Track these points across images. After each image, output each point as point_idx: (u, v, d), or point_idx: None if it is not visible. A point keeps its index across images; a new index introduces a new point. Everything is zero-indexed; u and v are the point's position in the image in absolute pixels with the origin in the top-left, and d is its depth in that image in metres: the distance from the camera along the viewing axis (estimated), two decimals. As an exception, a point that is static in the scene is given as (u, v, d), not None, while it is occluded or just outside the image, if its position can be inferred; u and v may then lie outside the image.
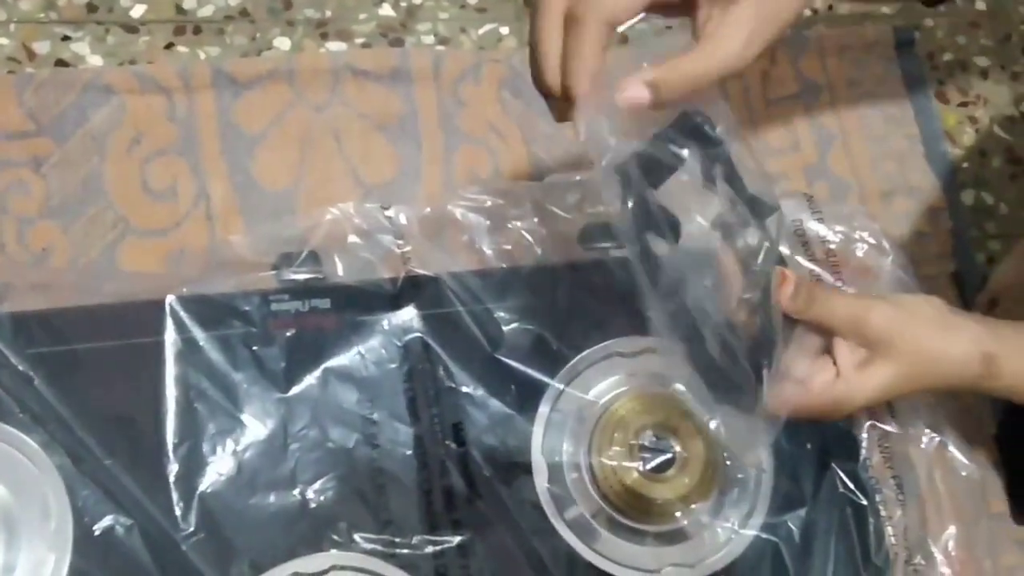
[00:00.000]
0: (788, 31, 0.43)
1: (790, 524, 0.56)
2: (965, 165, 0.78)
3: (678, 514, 0.55)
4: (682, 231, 0.44)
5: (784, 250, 0.61)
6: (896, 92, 0.79)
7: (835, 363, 0.46)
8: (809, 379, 0.46)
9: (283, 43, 0.74)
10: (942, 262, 0.73)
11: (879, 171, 0.76)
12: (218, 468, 0.53)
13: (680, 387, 0.49)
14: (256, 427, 0.54)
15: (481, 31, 0.77)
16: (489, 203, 0.61)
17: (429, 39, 0.76)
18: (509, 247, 0.61)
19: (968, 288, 0.73)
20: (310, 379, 0.55)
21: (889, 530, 0.58)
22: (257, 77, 0.70)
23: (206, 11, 0.74)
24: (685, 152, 0.43)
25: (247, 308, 0.55)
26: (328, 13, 0.75)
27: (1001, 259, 0.75)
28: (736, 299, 0.44)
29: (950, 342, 0.45)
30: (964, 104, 0.81)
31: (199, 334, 0.54)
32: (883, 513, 0.58)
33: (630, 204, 0.42)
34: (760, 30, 0.41)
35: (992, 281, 0.73)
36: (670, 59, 0.42)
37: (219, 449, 0.53)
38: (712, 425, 0.45)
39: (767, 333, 0.44)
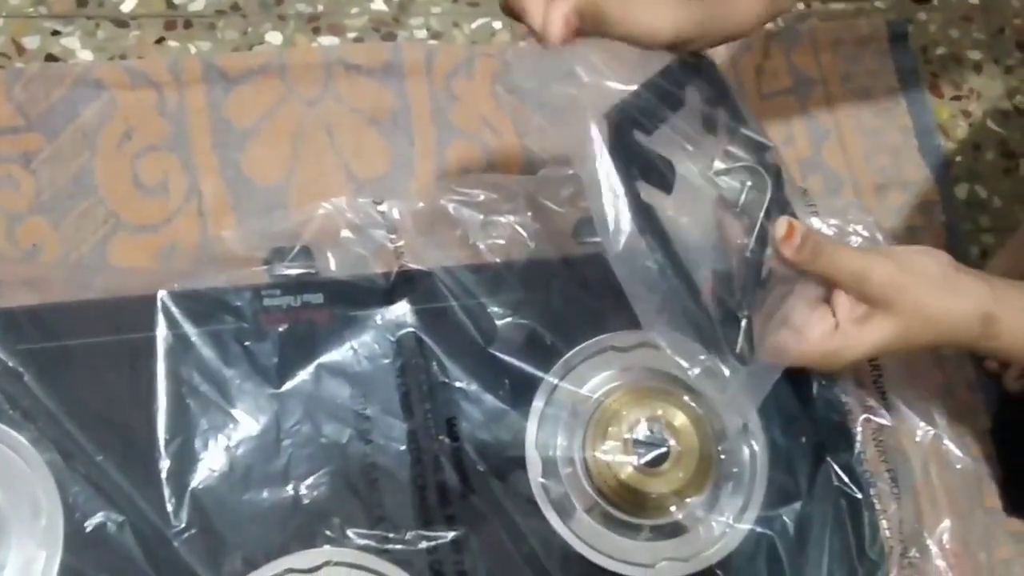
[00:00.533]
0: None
1: (785, 518, 0.56)
2: (959, 159, 0.78)
3: (673, 508, 0.55)
4: (677, 176, 0.42)
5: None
6: (889, 86, 0.79)
7: (834, 314, 0.45)
8: (807, 328, 0.45)
9: (275, 37, 0.74)
10: (936, 256, 0.73)
11: (873, 165, 0.76)
12: (210, 464, 0.52)
13: (655, 337, 0.46)
14: (248, 423, 0.54)
15: (474, 25, 0.77)
16: (482, 197, 0.60)
17: (422, 33, 0.76)
18: (502, 241, 0.61)
19: (962, 281, 0.73)
20: (303, 374, 0.55)
21: (884, 523, 0.57)
22: (248, 72, 0.70)
23: (197, 5, 0.74)
24: (685, 94, 0.42)
25: (239, 303, 0.55)
26: (320, 7, 0.75)
27: (994, 253, 0.75)
28: (734, 246, 0.43)
29: (951, 301, 0.44)
30: (957, 98, 0.81)
31: (191, 329, 0.54)
32: (878, 506, 0.58)
33: (619, 153, 0.40)
34: None
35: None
36: None
37: (211, 445, 0.53)
38: (693, 373, 0.43)
39: (765, 281, 0.43)
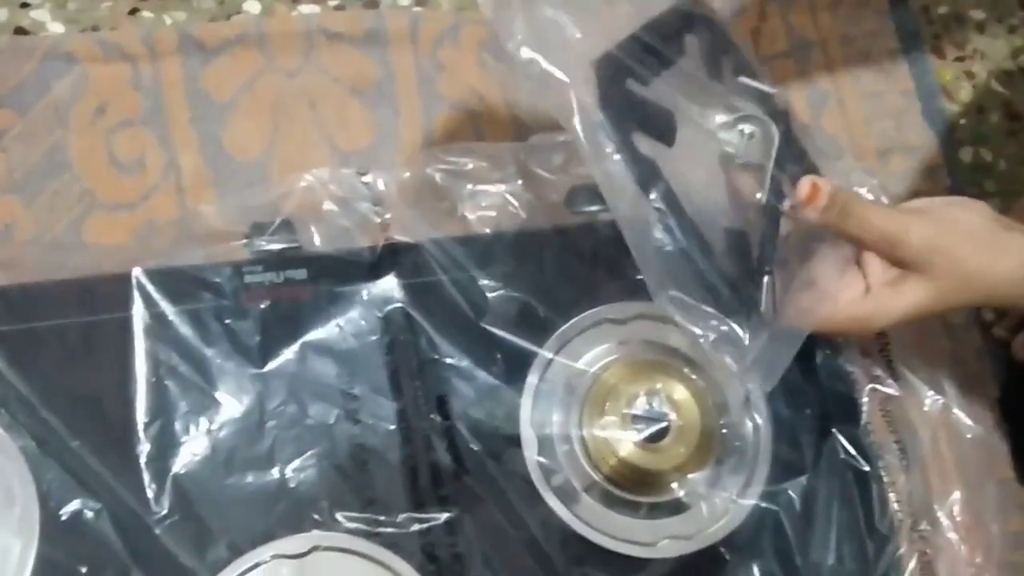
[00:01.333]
0: None
1: (790, 492, 0.54)
2: (963, 122, 0.76)
3: (674, 485, 0.53)
4: (679, 128, 0.39)
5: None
6: (890, 48, 0.77)
7: (865, 276, 0.42)
8: (835, 291, 0.42)
9: (253, 6, 0.71)
10: (941, 221, 0.71)
11: (875, 129, 0.74)
12: (192, 448, 0.51)
13: (664, 303, 0.44)
14: (231, 404, 0.52)
15: (459, -9, 0.74)
16: (470, 166, 0.58)
17: (406, 0, 0.73)
18: (493, 212, 0.58)
19: (968, 247, 0.71)
20: (287, 353, 0.53)
21: (893, 496, 0.56)
22: (226, 42, 0.67)
23: (172, -25, 0.71)
24: (684, 42, 0.39)
25: (218, 280, 0.53)
26: (300, -26, 0.72)
27: (1000, 217, 0.73)
28: (747, 200, 0.40)
29: (994, 259, 0.40)
30: (960, 59, 0.78)
31: (168, 308, 0.52)
32: (886, 479, 0.56)
33: (612, 104, 0.37)
34: None
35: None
36: None
37: (192, 428, 0.51)
38: (707, 341, 0.40)
39: (786, 237, 0.40)
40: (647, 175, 0.38)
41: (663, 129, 0.39)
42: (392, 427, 0.53)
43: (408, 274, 0.55)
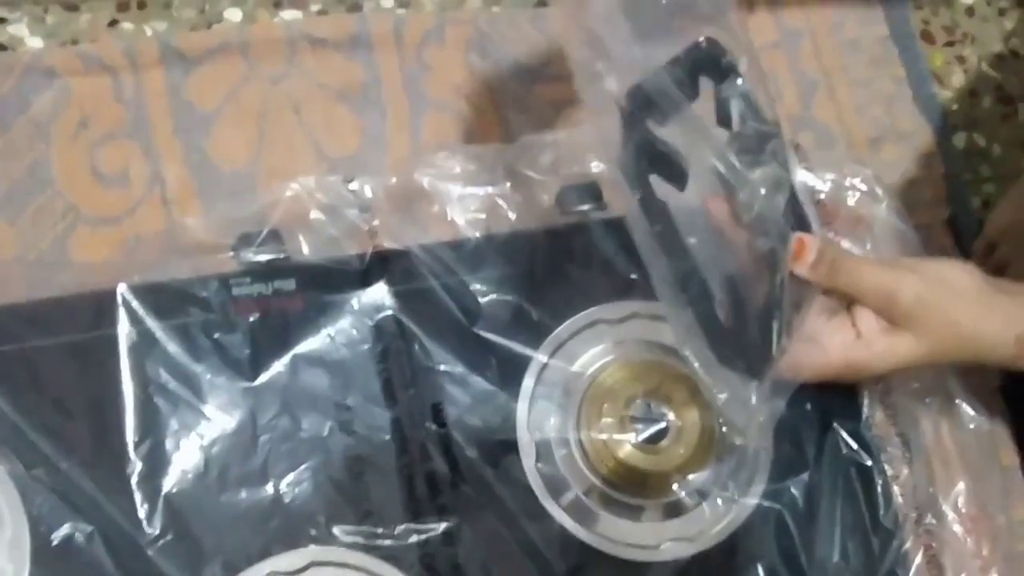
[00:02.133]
0: None
1: (793, 490, 0.53)
2: (955, 107, 0.75)
3: (675, 486, 0.53)
4: (690, 174, 0.39)
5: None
6: (880, 34, 0.76)
7: (854, 323, 0.41)
8: (825, 339, 0.42)
9: (234, 14, 0.70)
10: (936, 208, 0.70)
11: (866, 117, 0.73)
12: (183, 465, 0.50)
13: (687, 354, 0.44)
14: (222, 419, 0.51)
15: (443, -9, 0.73)
16: (458, 169, 0.57)
17: (388, 2, 0.72)
18: (483, 215, 0.58)
19: (964, 234, 0.70)
20: (278, 366, 0.52)
21: (896, 490, 0.55)
22: (208, 51, 0.66)
23: (150, -16, 0.70)
24: (699, 84, 0.39)
25: (205, 294, 0.52)
26: (281, -20, 0.71)
27: (997, 202, 0.72)
28: (749, 251, 0.39)
29: (984, 322, 0.41)
30: (951, 43, 0.77)
31: (155, 324, 0.51)
32: (889, 472, 0.55)
33: (633, 141, 0.37)
34: None
35: (988, 226, 0.71)
36: None
37: (183, 445, 0.50)
38: (721, 398, 0.40)
39: (782, 290, 0.39)
40: (660, 222, 0.38)
41: (677, 174, 0.38)
42: (387, 437, 0.52)
43: (398, 281, 0.55)
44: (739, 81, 0.40)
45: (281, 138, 0.66)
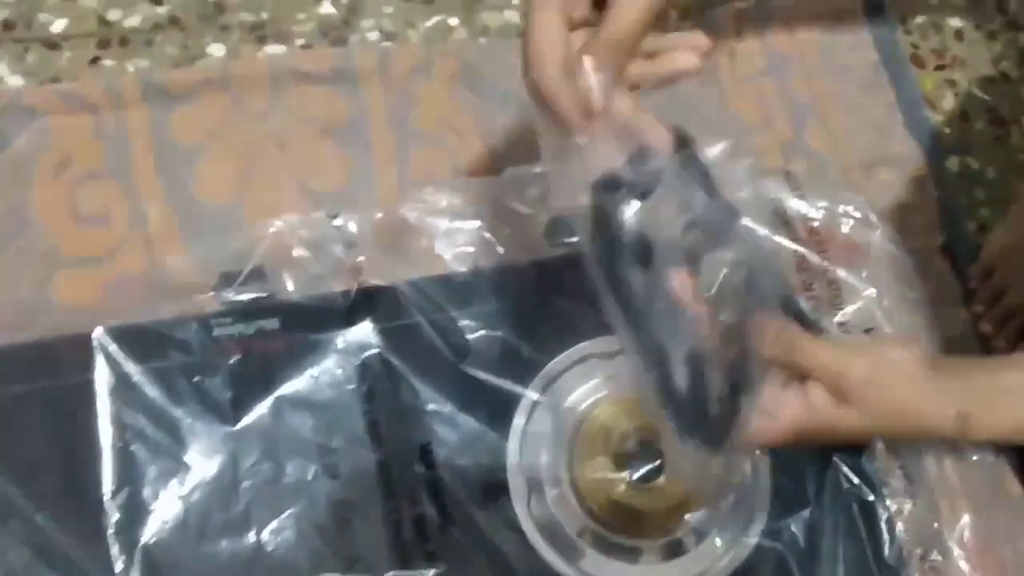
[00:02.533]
0: None
1: (793, 528, 0.52)
2: (947, 130, 0.75)
3: (672, 527, 0.51)
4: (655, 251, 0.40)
5: (762, 230, 0.57)
6: (870, 60, 0.75)
7: (806, 394, 0.43)
8: (779, 409, 0.44)
9: (217, 50, 0.69)
10: (931, 234, 0.69)
11: (858, 143, 0.72)
12: (162, 515, 0.48)
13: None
14: (202, 466, 0.49)
15: (429, 24, 0.72)
16: (445, 203, 0.56)
17: (374, 35, 0.72)
18: (470, 249, 0.56)
19: (960, 259, 0.69)
20: (260, 408, 0.51)
21: (900, 526, 0.53)
22: (191, 88, 0.66)
23: (132, 21, 0.69)
24: (662, 171, 0.40)
25: (185, 336, 0.51)
26: (264, 15, 0.71)
27: (993, 227, 0.71)
28: (711, 326, 0.40)
29: (926, 401, 0.43)
30: (941, 67, 0.77)
31: (133, 368, 0.50)
32: (893, 508, 0.53)
33: (599, 221, 0.39)
34: None
35: (985, 251, 0.69)
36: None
37: (162, 494, 0.49)
38: (681, 466, 0.41)
39: (743, 366, 0.40)
40: (628, 304, 0.39)
41: (640, 252, 0.40)
42: (373, 480, 0.51)
43: (384, 318, 0.53)
44: (703, 160, 0.42)
45: (266, 175, 0.65)
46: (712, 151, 0.59)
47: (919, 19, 0.78)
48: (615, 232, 0.39)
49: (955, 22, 0.79)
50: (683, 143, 0.42)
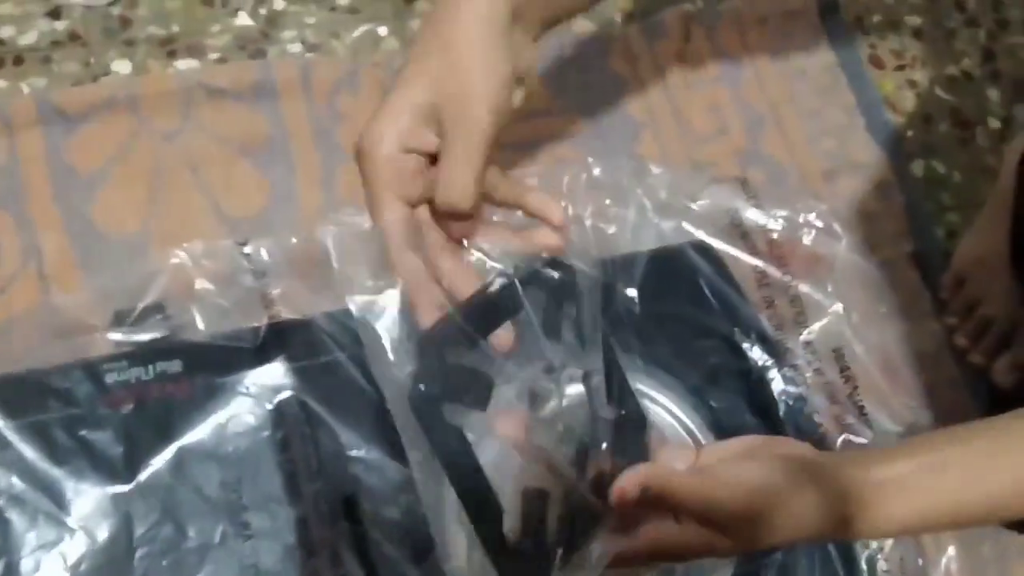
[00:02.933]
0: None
1: (764, 573, 0.46)
2: (910, 133, 0.71)
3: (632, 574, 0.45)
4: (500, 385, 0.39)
5: (719, 244, 0.53)
6: (826, 62, 0.72)
7: (677, 520, 0.39)
8: (642, 529, 0.39)
9: (123, 66, 0.64)
10: (899, 242, 0.65)
11: (818, 149, 0.68)
12: (44, 591, 0.42)
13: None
14: (90, 532, 0.44)
15: (355, 34, 0.67)
16: (368, 224, 0.50)
17: (296, 48, 0.66)
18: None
19: (930, 268, 0.65)
20: (157, 463, 0.46)
21: (882, 564, 0.48)
22: (92, 107, 0.61)
23: (28, 38, 0.64)
24: (525, 296, 0.40)
25: (66, 385, 0.45)
26: (175, 28, 0.65)
27: (962, 232, 0.67)
28: (546, 465, 0.38)
29: (801, 519, 0.38)
30: (900, 68, 0.73)
31: (6, 424, 0.44)
32: (873, 545, 0.48)
33: (428, 373, 0.37)
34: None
35: (956, 259, 0.66)
36: None
37: (44, 565, 0.43)
38: None
39: (583, 506, 0.38)
40: (452, 448, 0.38)
41: (477, 395, 0.39)
42: (291, 540, 0.45)
43: (299, 356, 0.48)
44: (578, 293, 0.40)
45: (176, 200, 0.60)
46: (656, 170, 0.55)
47: (876, 18, 0.74)
48: (442, 377, 0.38)
49: (913, 20, 0.75)
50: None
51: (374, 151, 0.40)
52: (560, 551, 0.37)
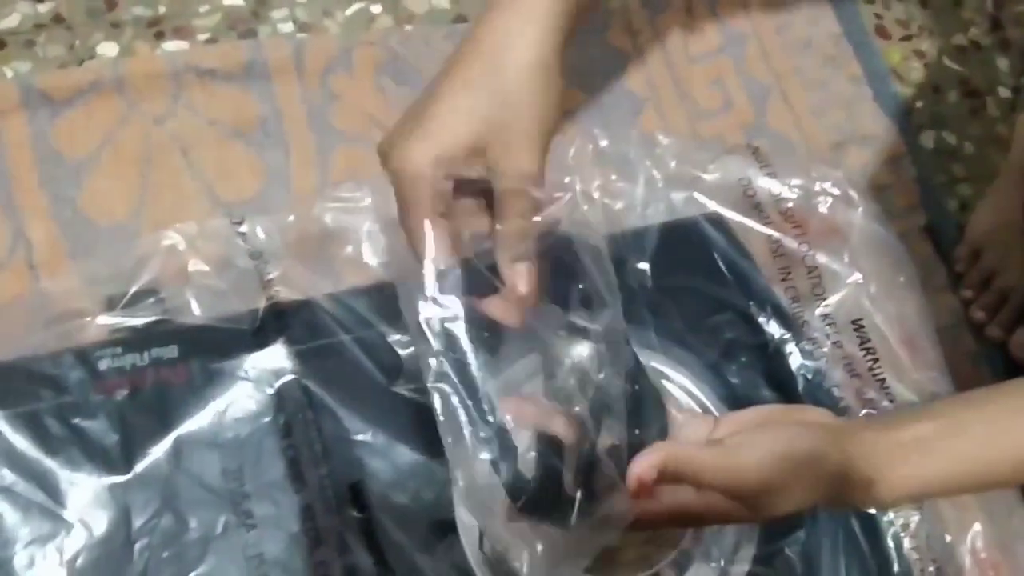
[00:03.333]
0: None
1: (788, 551, 0.46)
2: (919, 104, 0.69)
3: (650, 559, 0.44)
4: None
5: (732, 215, 0.51)
6: (831, 31, 0.70)
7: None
8: (661, 494, 0.37)
9: (109, 48, 0.62)
10: (911, 215, 0.64)
11: (825, 121, 0.66)
12: (39, 587, 0.40)
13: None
14: (87, 525, 0.42)
15: (348, 12, 0.66)
16: (368, 201, 0.49)
17: (287, 27, 0.65)
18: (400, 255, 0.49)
19: (944, 240, 0.64)
20: (155, 452, 0.44)
21: (907, 541, 0.47)
22: (78, 91, 0.59)
23: (10, 22, 0.62)
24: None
25: (58, 372, 0.43)
26: (162, 8, 0.63)
27: (974, 204, 0.66)
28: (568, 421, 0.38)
29: (826, 487, 0.38)
30: (907, 37, 0.72)
31: (-5, 413, 0.41)
32: (898, 522, 0.47)
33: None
34: None
35: (970, 231, 0.65)
36: None
37: (40, 560, 0.41)
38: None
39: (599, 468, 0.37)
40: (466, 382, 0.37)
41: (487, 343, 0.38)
42: (296, 528, 0.44)
43: (301, 338, 0.46)
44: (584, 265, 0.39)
45: (168, 184, 0.58)
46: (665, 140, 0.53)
47: (880, -13, 0.73)
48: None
49: (919, -12, 0.73)
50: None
51: (416, 170, 0.38)
52: (579, 497, 0.36)
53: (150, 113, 0.59)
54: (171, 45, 0.62)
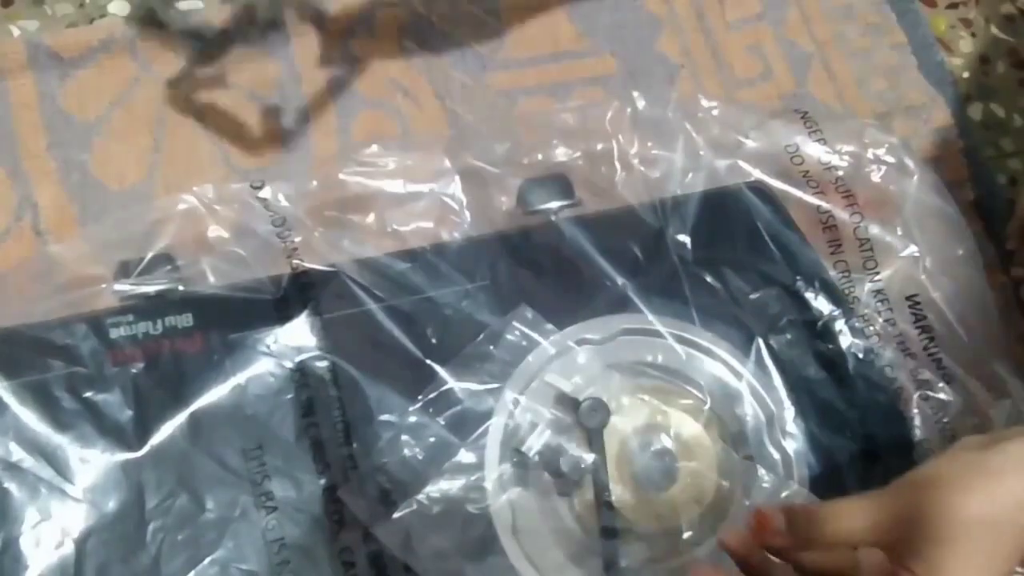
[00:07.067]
0: None
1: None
2: (966, 75, 0.66)
3: (692, 542, 0.41)
4: None
5: (778, 184, 0.48)
6: (874, -3, 0.67)
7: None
8: None
9: (120, 7, 0.60)
10: (960, 189, 0.61)
11: (869, 91, 0.64)
12: (47, 566, 0.38)
13: None
14: (98, 504, 0.40)
15: (371, -28, 0.63)
16: (393, 166, 0.46)
17: (306, -14, 0.62)
18: (430, 222, 0.48)
19: (994, 217, 0.61)
20: (170, 428, 0.42)
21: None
22: (89, 51, 0.57)
23: (18, -23, 0.59)
24: None
25: (69, 341, 0.41)
26: (176, -34, 0.60)
27: (1024, 180, 0.63)
28: None
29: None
30: (954, 5, 0.69)
31: (2, 384, 0.39)
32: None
33: None
34: None
35: (1021, 206, 0.61)
36: None
37: (46, 540, 0.39)
38: None
39: None
40: None
41: None
42: (318, 511, 0.41)
43: (325, 309, 0.44)
44: None
45: (181, 149, 0.56)
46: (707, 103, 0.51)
47: (925, -48, 0.70)
48: None
49: (965, -46, 0.70)
50: None
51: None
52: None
53: (163, 74, 0.57)
54: (185, 5, 0.60)
